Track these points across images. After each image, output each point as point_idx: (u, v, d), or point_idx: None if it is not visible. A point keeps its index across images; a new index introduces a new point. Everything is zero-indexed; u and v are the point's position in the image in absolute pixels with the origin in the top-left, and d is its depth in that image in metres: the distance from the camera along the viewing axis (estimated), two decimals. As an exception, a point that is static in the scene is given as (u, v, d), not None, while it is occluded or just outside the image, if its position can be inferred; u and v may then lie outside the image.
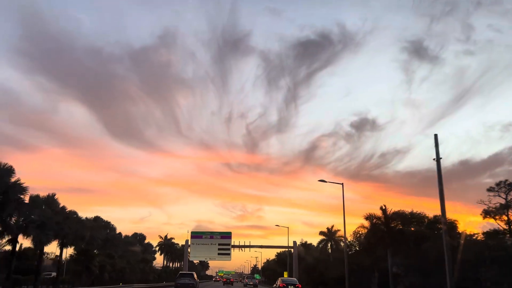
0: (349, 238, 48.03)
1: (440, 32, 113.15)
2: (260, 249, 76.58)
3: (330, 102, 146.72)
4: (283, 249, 73.35)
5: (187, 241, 66.65)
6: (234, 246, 66.89)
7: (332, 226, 59.64)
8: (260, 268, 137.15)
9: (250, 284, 64.40)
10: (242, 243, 68.14)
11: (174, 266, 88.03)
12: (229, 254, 66.00)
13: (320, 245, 60.41)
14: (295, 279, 40.11)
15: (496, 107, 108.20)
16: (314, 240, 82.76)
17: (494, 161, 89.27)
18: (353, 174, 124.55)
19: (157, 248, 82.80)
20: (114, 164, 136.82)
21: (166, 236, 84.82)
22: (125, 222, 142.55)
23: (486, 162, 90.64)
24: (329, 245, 60.00)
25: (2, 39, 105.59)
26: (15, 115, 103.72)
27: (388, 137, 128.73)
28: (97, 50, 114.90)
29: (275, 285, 38.84)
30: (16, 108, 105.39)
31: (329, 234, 59.34)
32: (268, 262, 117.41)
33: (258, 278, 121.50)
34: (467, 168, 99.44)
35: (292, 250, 67.61)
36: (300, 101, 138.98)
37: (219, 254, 66.08)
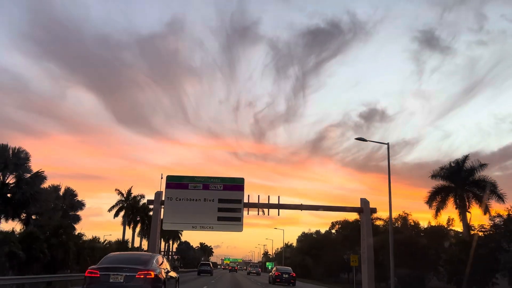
0: None
1: (452, 21, 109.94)
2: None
3: (339, 92, 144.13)
4: (346, 213, 41.37)
5: (158, 194, 34.56)
6: (249, 205, 34.58)
7: (466, 157, 27.69)
8: (273, 255, 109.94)
9: (253, 273, 63.60)
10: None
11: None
12: (239, 219, 33.43)
13: (434, 202, 28.48)
14: (290, 268, 39.08)
15: (508, 99, 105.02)
16: (322, 230, 67.19)
17: (505, 154, 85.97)
18: (361, 165, 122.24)
19: (114, 211, 47.12)
20: (122, 151, 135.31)
21: (129, 192, 47.22)
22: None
23: (496, 154, 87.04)
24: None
25: (11, 25, 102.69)
26: (23, 101, 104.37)
27: (397, 128, 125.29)
28: (106, 37, 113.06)
29: (270, 273, 40.51)
30: (25, 94, 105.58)
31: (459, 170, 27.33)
32: (287, 247, 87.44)
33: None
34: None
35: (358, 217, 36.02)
36: (308, 91, 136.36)
37: (220, 219, 33.37)
